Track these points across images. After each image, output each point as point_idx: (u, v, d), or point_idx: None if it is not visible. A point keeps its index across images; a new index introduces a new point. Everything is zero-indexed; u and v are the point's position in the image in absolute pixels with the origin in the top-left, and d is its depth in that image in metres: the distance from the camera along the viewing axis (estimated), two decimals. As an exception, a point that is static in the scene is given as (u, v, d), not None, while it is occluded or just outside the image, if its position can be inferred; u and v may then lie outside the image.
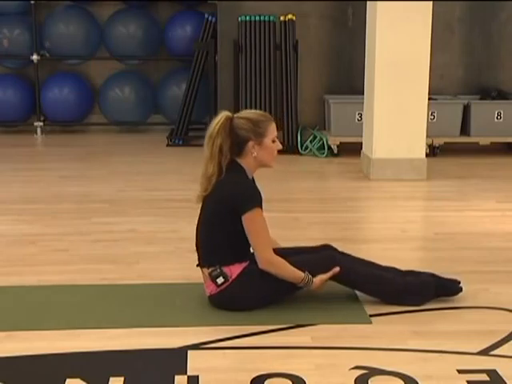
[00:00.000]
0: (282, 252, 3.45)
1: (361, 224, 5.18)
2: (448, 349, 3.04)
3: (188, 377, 2.80)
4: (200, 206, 3.49)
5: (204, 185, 3.42)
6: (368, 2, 6.36)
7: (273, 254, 3.36)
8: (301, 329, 3.25)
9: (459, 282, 3.59)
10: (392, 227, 4.89)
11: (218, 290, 3.38)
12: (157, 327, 3.25)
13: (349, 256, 3.59)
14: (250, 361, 2.95)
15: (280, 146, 3.45)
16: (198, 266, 3.47)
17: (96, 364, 2.95)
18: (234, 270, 3.36)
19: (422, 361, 2.95)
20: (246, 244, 3.37)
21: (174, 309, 3.42)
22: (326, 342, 3.11)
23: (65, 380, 2.77)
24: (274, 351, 3.03)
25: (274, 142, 3.41)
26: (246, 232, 3.32)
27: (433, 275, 3.60)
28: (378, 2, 6.06)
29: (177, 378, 2.79)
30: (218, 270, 3.36)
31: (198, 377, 2.79)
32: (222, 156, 3.34)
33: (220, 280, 3.36)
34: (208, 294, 3.43)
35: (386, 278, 3.52)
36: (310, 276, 3.37)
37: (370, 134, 6.36)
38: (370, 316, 3.37)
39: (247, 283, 3.36)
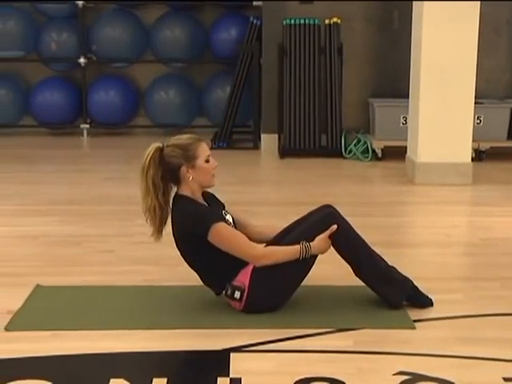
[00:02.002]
0: (284, 230, 3.48)
1: (405, 228, 5.13)
2: (493, 356, 2.99)
3: (231, 379, 2.80)
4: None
5: (152, 219, 3.40)
6: (414, 4, 6.31)
7: (257, 248, 3.36)
8: (343, 333, 3.23)
9: (431, 300, 3.53)
10: (437, 232, 4.84)
11: (243, 303, 3.37)
12: (199, 329, 3.26)
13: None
14: (292, 364, 2.94)
15: (215, 164, 3.44)
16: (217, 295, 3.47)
17: (139, 365, 2.97)
18: (244, 278, 3.35)
19: (467, 367, 2.91)
20: None
21: (215, 311, 3.43)
22: (369, 346, 3.09)
23: (109, 380, 2.79)
24: (315, 355, 3.02)
25: (207, 161, 3.41)
26: (221, 248, 3.32)
27: (412, 281, 3.54)
28: (425, 4, 6.00)
29: (219, 380, 2.80)
30: (230, 288, 3.36)
31: (240, 379, 2.79)
32: (156, 188, 3.35)
33: (237, 295, 3.35)
34: (239, 311, 3.41)
35: (377, 256, 3.48)
36: (305, 243, 3.34)
37: (414, 137, 6.30)
38: (414, 321, 3.34)
39: (263, 281, 3.34)
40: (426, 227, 5.08)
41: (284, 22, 7.46)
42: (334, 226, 3.37)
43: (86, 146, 8.34)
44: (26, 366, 2.94)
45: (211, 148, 7.79)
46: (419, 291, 3.53)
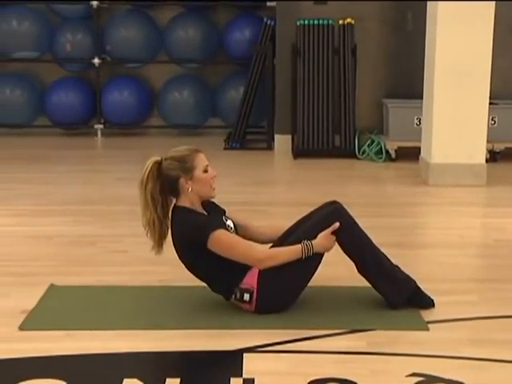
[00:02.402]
0: (289, 229, 3.50)
1: (419, 229, 5.12)
2: (507, 358, 2.98)
3: (244, 379, 2.81)
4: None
5: (151, 233, 3.42)
6: (428, 5, 6.29)
7: (259, 252, 3.37)
8: (356, 334, 3.23)
9: (432, 300, 3.52)
10: (450, 233, 4.83)
11: (254, 304, 3.37)
12: (212, 329, 3.26)
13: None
14: (305, 365, 2.94)
15: (213, 174, 3.45)
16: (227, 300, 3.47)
17: (152, 365, 2.98)
18: (251, 280, 3.36)
19: (480, 369, 2.91)
20: None
21: (229, 311, 3.43)
22: (382, 347, 3.08)
23: (122, 380, 2.80)
24: (328, 356, 3.02)
25: (205, 171, 3.41)
26: (222, 255, 3.32)
27: (415, 282, 3.53)
28: (439, 4, 5.99)
29: (232, 380, 2.80)
30: (239, 291, 3.37)
31: (253, 379, 2.80)
32: (154, 201, 3.36)
33: (247, 297, 3.36)
34: (251, 313, 3.41)
35: (381, 254, 3.47)
36: (306, 242, 3.34)
37: (428, 138, 6.29)
38: (427, 323, 3.33)
39: (271, 281, 3.35)
40: (439, 228, 5.06)
41: (298, 23, 7.46)
42: (337, 224, 3.37)
43: (100, 146, 8.36)
44: (39, 366, 2.96)
45: (225, 148, 7.81)
46: (421, 291, 3.52)
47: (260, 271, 3.35)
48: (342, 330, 3.25)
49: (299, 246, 3.35)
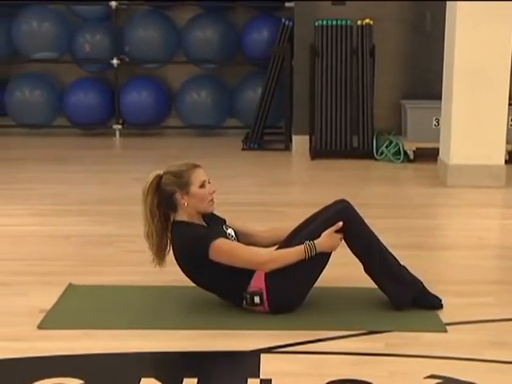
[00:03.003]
0: (296, 229, 3.49)
1: (436, 231, 5.10)
2: (526, 360, 2.97)
3: (261, 380, 2.81)
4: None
5: (150, 245, 3.47)
6: (447, 5, 6.26)
7: (261, 256, 3.38)
8: (374, 335, 3.22)
9: (440, 300, 3.50)
10: (469, 235, 4.80)
11: (266, 305, 3.37)
12: (229, 330, 3.27)
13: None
14: (322, 366, 2.93)
15: (212, 189, 3.45)
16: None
17: (170, 364, 2.99)
18: (258, 282, 3.36)
19: (499, 372, 2.89)
20: None
21: (245, 312, 3.43)
22: (400, 349, 3.07)
23: (140, 379, 2.81)
24: (346, 357, 3.01)
25: (202, 187, 3.42)
26: (225, 263, 3.33)
27: (421, 282, 3.52)
28: (458, 5, 5.96)
29: (249, 381, 2.80)
30: (248, 296, 3.37)
31: (270, 380, 2.80)
32: (152, 214, 3.40)
33: (257, 300, 3.36)
34: (266, 314, 3.40)
35: (388, 254, 3.46)
36: (309, 242, 3.34)
37: (447, 139, 6.26)
38: (446, 324, 3.31)
39: (279, 281, 3.35)
40: (457, 230, 5.04)
41: (316, 24, 7.45)
42: (340, 223, 3.36)
43: (118, 146, 8.39)
44: (57, 364, 2.97)
45: (243, 149, 7.81)
46: (428, 292, 3.50)
47: (266, 273, 3.35)
48: (359, 332, 3.24)
49: (302, 246, 3.35)
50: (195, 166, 3.46)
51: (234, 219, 3.71)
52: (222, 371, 2.92)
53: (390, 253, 3.49)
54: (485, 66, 6.00)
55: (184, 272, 3.48)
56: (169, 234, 3.47)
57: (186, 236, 3.40)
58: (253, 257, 3.37)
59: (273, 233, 3.67)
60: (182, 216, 3.45)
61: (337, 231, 3.37)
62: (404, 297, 3.44)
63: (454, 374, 2.84)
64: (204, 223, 3.50)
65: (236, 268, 3.35)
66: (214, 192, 3.47)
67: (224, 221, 3.63)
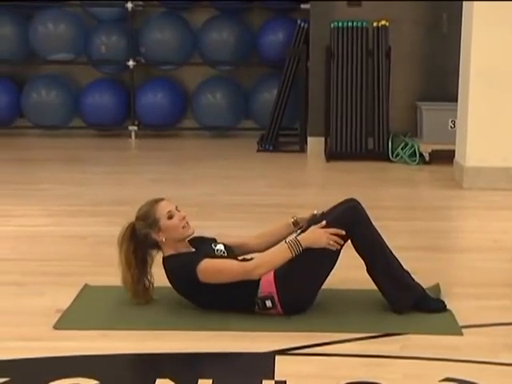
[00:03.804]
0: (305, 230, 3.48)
1: (452, 233, 5.08)
2: (543, 364, 2.95)
3: (275, 382, 2.80)
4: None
5: (127, 289, 3.53)
6: (464, 6, 6.24)
7: (247, 264, 3.38)
8: (389, 337, 3.21)
9: (444, 303, 3.49)
10: (484, 237, 4.78)
11: (279, 308, 3.37)
12: (244, 331, 3.27)
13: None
14: (337, 368, 2.93)
15: (182, 215, 3.47)
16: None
17: (185, 365, 3.00)
18: (268, 287, 3.36)
19: (515, 375, 2.88)
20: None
21: (259, 314, 3.42)
22: (416, 351, 3.06)
23: (155, 380, 2.81)
24: (361, 359, 3.01)
25: (170, 218, 3.44)
26: (216, 282, 3.35)
27: (423, 288, 3.50)
28: (475, 5, 5.93)
29: (264, 382, 2.80)
30: (259, 301, 3.38)
31: (285, 382, 2.80)
32: (128, 262, 3.46)
33: (269, 304, 3.37)
34: (281, 316, 3.40)
35: (392, 258, 3.45)
36: (292, 239, 3.35)
37: (463, 141, 6.23)
38: (462, 327, 3.30)
39: (289, 282, 3.35)
40: (473, 232, 5.02)
41: (332, 25, 7.44)
42: (323, 223, 3.38)
43: (134, 147, 8.42)
44: (73, 365, 2.99)
45: (258, 150, 7.81)
46: (429, 297, 3.48)
47: (275, 277, 3.35)
48: (374, 334, 3.24)
49: (285, 244, 3.37)
50: (157, 201, 3.51)
51: (225, 236, 3.75)
52: (236, 373, 2.92)
53: (395, 256, 3.48)
54: (502, 66, 5.97)
55: (190, 301, 3.49)
56: (148, 277, 3.53)
57: (175, 268, 3.44)
58: (239, 268, 3.37)
59: (264, 237, 3.69)
60: (167, 251, 3.49)
61: (340, 236, 3.36)
62: (404, 301, 3.43)
63: (470, 378, 2.83)
64: (192, 248, 3.52)
65: (238, 282, 3.35)
66: (184, 218, 3.49)
67: (214, 239, 3.65)
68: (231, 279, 3.35)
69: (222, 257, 3.50)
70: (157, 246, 3.51)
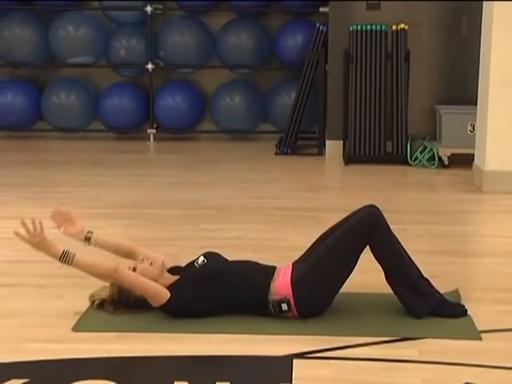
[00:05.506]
0: (325, 233, 3.52)
1: (471, 237, 5.06)
2: (562, 369, 2.93)
3: (293, 385, 2.81)
4: None
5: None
6: (484, 9, 6.20)
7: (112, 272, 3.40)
8: (408, 342, 3.20)
9: (464, 307, 3.47)
10: (504, 241, 4.75)
11: (295, 311, 3.37)
12: (262, 334, 3.27)
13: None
14: (354, 372, 2.92)
15: (148, 262, 3.49)
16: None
17: (203, 368, 3.00)
18: (283, 290, 3.36)
19: (535, 381, 2.86)
20: (250, 275, 3.44)
21: (276, 317, 3.42)
22: (434, 356, 3.05)
23: (172, 382, 2.82)
24: (379, 363, 3.00)
25: (135, 269, 3.48)
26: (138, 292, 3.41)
27: (441, 294, 3.48)
28: (495, 8, 5.89)
29: (282, 386, 2.81)
30: (275, 305, 3.36)
31: (302, 386, 2.80)
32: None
33: (285, 307, 3.36)
34: (296, 319, 3.39)
35: (410, 265, 3.43)
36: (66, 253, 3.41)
37: (482, 145, 6.20)
38: (480, 332, 3.28)
39: (306, 286, 3.35)
40: (492, 236, 4.99)
41: (350, 29, 7.43)
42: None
43: (153, 150, 8.44)
44: (91, 367, 3.00)
45: (276, 153, 7.82)
46: (448, 302, 3.46)
47: (292, 281, 3.35)
48: (392, 338, 3.22)
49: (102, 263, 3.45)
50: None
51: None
52: (254, 376, 2.92)
53: (414, 263, 3.46)
54: (522, 70, 5.94)
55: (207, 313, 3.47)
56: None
57: (170, 304, 3.41)
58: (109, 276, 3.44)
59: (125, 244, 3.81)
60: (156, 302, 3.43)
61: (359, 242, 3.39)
62: (421, 309, 3.41)
63: (488, 383, 2.81)
64: (175, 277, 3.50)
65: (243, 286, 3.38)
66: (151, 263, 3.49)
67: (192, 261, 3.63)
68: (135, 287, 3.40)
69: (201, 267, 3.50)
70: (144, 301, 3.46)
